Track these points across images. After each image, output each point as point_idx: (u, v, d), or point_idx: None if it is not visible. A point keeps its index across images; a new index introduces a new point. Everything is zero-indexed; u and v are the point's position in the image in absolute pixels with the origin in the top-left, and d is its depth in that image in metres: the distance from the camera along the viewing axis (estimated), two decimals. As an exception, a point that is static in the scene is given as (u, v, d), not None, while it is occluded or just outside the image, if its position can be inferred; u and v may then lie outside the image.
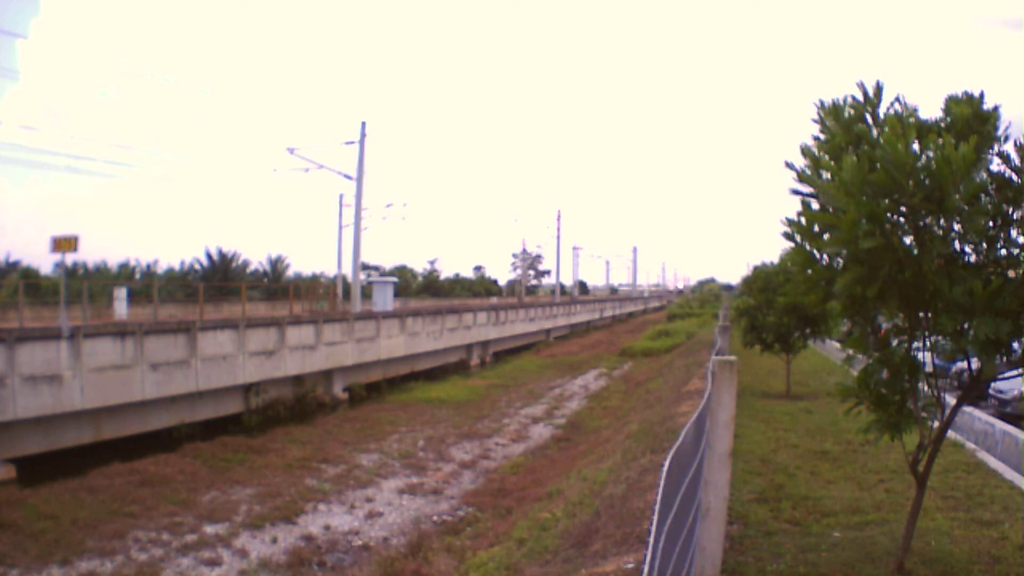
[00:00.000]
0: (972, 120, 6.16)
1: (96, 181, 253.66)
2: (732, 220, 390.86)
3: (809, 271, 6.70)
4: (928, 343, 6.81)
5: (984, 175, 6.12)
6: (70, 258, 41.40)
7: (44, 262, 66.59)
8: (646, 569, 3.31)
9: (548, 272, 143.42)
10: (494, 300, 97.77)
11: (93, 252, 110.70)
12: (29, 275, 61.26)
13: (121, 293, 42.51)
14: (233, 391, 29.48)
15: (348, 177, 46.64)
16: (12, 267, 69.35)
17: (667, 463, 4.28)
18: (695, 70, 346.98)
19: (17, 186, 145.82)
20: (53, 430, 22.37)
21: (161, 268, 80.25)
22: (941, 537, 8.44)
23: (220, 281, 70.44)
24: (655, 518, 3.74)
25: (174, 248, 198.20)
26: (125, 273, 74.21)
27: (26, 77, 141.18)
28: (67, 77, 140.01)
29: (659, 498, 3.90)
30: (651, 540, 3.54)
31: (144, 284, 60.82)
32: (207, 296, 52.23)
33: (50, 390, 21.55)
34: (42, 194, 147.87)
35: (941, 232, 6.11)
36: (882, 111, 6.56)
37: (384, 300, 51.58)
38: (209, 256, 79.89)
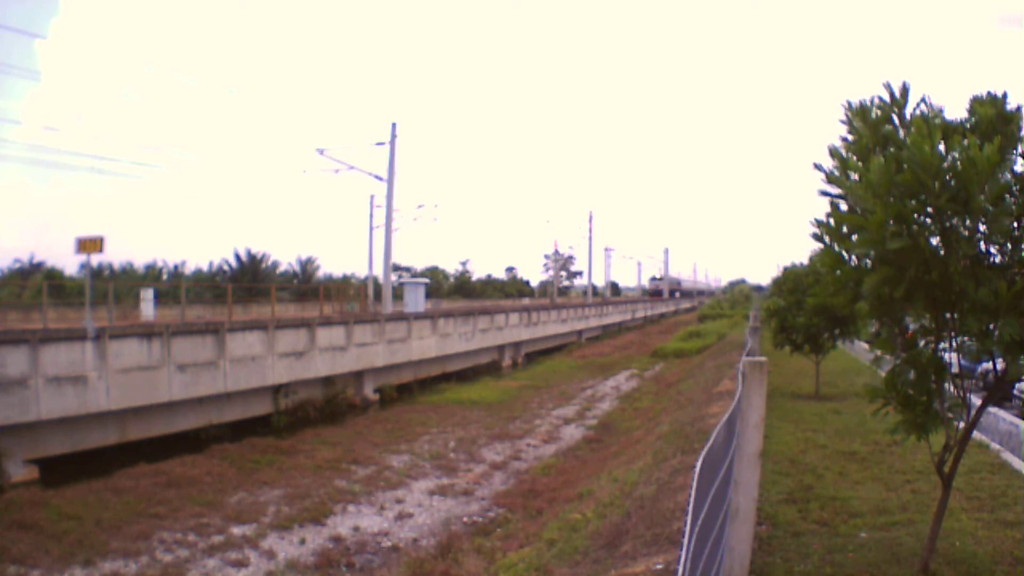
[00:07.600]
0: (996, 120, 6.16)
1: (121, 182, 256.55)
2: (763, 221, 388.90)
3: (838, 272, 6.72)
4: (954, 344, 6.81)
5: (1008, 176, 6.13)
6: (95, 259, 41.89)
7: (69, 263, 67.16)
8: (680, 570, 3.36)
9: (580, 273, 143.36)
10: (526, 301, 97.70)
11: (119, 253, 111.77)
12: (53, 276, 61.74)
13: (148, 294, 42.74)
14: (262, 392, 29.48)
15: (379, 178, 46.84)
16: (36, 268, 69.96)
17: (698, 464, 4.31)
18: (727, 71, 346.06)
19: (41, 187, 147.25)
20: (77, 431, 22.44)
21: (189, 269, 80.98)
22: (965, 538, 8.43)
23: (249, 282, 70.86)
24: (688, 519, 3.78)
25: (202, 249, 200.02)
26: (152, 274, 74.83)
27: (47, 77, 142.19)
28: (89, 77, 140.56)
29: (691, 499, 3.94)
30: (685, 541, 3.57)
31: (171, 285, 61.09)
32: (236, 297, 52.62)
33: (75, 391, 21.59)
34: (66, 195, 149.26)
35: (967, 233, 6.13)
36: (908, 112, 6.57)
37: (415, 301, 51.59)
38: (238, 257, 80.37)
